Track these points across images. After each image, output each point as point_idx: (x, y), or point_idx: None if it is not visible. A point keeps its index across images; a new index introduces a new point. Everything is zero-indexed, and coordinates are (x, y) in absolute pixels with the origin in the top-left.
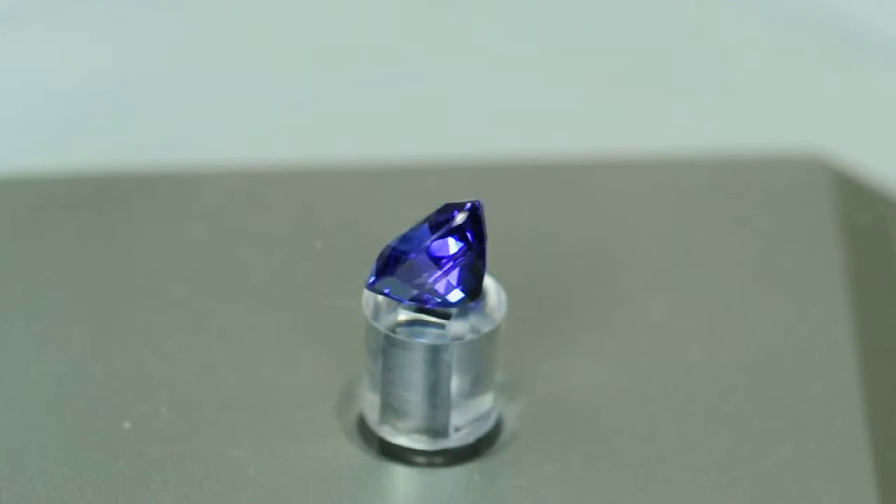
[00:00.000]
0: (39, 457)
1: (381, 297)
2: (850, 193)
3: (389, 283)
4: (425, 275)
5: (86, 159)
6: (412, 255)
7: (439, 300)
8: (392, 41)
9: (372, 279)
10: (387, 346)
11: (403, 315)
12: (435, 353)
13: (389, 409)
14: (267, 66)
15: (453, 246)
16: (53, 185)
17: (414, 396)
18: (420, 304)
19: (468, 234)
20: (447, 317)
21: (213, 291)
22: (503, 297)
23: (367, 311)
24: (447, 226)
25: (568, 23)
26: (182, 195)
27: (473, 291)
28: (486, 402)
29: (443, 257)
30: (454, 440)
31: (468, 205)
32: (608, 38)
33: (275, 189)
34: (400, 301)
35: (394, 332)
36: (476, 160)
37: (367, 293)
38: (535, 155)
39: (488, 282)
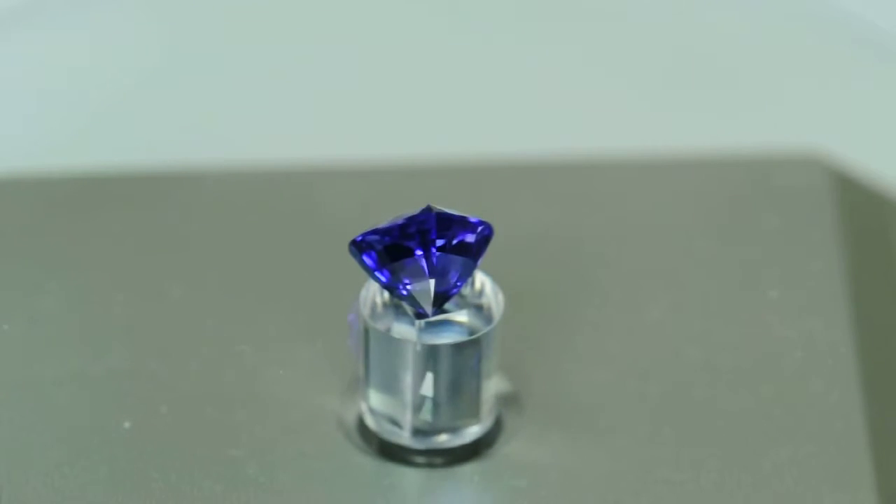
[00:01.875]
0: (39, 457)
1: (378, 297)
2: (850, 193)
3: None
4: (400, 270)
5: (86, 160)
6: (384, 244)
7: (401, 289)
8: (392, 41)
9: (356, 239)
10: (380, 345)
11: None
12: (432, 352)
13: (382, 405)
14: (266, 66)
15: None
16: (53, 186)
17: (409, 394)
18: (390, 290)
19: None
20: (424, 315)
21: (213, 291)
22: (500, 297)
23: (365, 310)
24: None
25: (568, 23)
26: (182, 195)
27: (427, 309)
28: (485, 401)
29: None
30: (451, 440)
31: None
32: (609, 38)
33: (275, 189)
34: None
35: (389, 330)
36: (476, 160)
37: (363, 293)
38: (535, 155)
39: (486, 281)
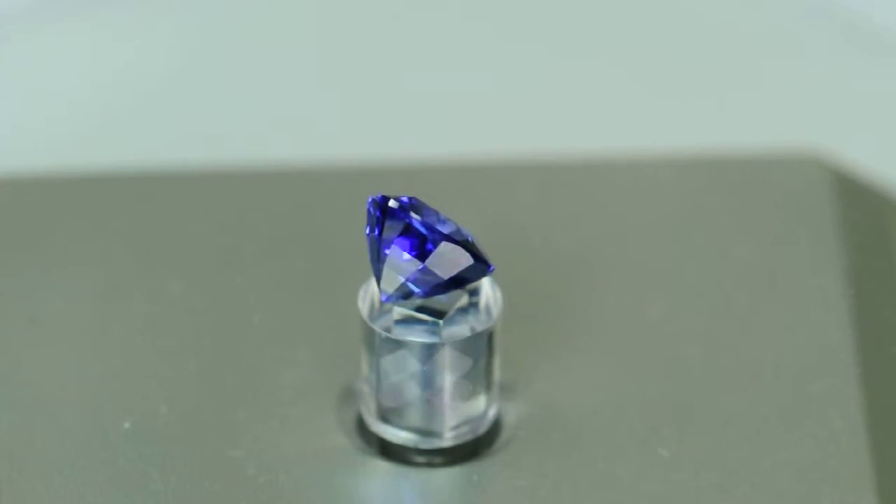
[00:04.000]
0: (39, 457)
1: (376, 298)
2: (850, 193)
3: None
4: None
5: (86, 160)
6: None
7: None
8: (393, 41)
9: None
10: (379, 345)
11: (398, 314)
12: (429, 351)
13: (382, 406)
14: (266, 67)
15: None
16: (53, 186)
17: (407, 394)
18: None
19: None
20: (441, 315)
21: (213, 291)
22: (498, 294)
23: (363, 311)
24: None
25: (568, 23)
26: (183, 195)
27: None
28: (483, 401)
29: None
30: (449, 440)
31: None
32: (608, 38)
33: (275, 189)
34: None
35: (389, 331)
36: (476, 160)
37: (362, 293)
38: (535, 155)
39: (484, 280)
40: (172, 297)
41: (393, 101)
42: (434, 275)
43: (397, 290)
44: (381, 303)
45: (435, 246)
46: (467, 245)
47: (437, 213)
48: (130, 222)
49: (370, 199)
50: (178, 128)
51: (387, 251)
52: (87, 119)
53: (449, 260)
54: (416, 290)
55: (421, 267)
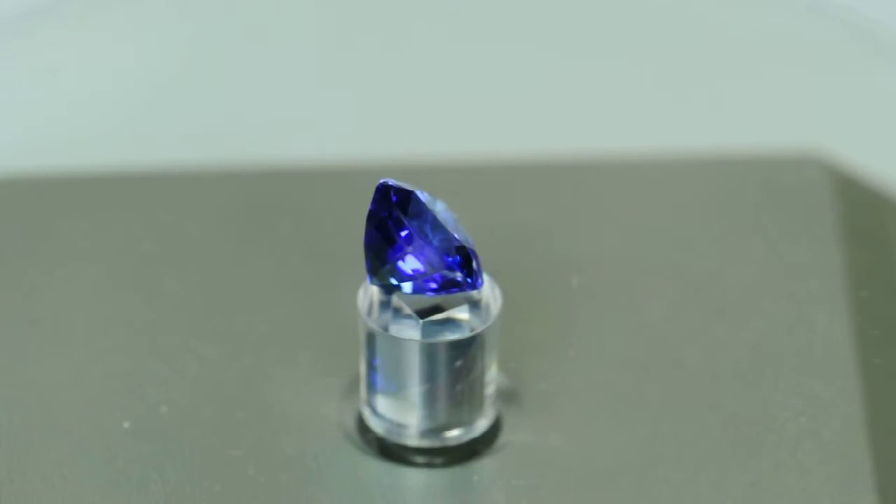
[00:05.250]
0: (39, 457)
1: (375, 296)
2: (850, 193)
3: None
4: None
5: (86, 160)
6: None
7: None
8: (393, 41)
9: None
10: (374, 341)
11: (395, 311)
12: (425, 349)
13: (381, 403)
14: (266, 67)
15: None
16: (53, 186)
17: (407, 392)
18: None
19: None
20: (429, 313)
21: (213, 291)
22: (498, 293)
23: (362, 309)
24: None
25: (569, 23)
26: (183, 195)
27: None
28: (483, 400)
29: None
30: (446, 439)
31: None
32: (609, 38)
33: (275, 189)
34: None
35: (385, 328)
36: (476, 160)
37: (361, 292)
38: (534, 155)
39: (484, 280)
40: (172, 297)
41: (394, 100)
42: (409, 272)
43: (380, 276)
44: (381, 300)
45: (410, 243)
46: (453, 252)
47: (434, 214)
48: (130, 222)
49: (381, 181)
50: (178, 128)
51: (373, 235)
52: (87, 119)
53: (424, 261)
54: (396, 281)
55: (393, 260)
